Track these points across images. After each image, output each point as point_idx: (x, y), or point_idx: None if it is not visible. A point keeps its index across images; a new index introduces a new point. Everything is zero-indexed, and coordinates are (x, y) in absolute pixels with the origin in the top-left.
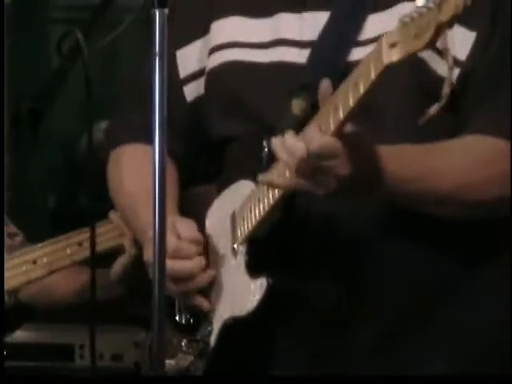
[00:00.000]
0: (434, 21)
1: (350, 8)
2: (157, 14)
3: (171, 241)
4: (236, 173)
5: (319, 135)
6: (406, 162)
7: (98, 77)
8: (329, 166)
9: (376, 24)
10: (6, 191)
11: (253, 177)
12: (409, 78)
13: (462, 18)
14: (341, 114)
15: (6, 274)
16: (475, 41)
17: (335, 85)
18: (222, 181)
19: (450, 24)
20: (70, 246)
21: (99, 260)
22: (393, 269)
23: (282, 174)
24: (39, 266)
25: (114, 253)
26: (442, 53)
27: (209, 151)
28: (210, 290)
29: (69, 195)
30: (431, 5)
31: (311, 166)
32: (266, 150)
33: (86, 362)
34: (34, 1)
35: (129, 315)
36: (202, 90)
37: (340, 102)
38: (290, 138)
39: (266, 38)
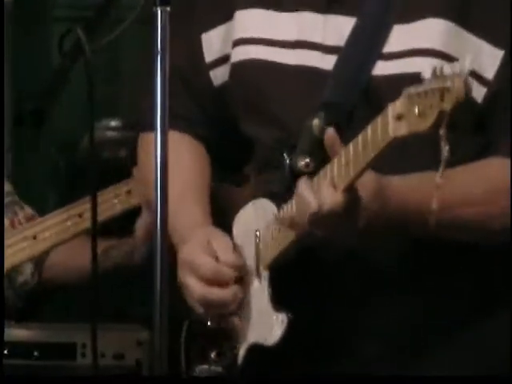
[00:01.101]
0: (437, 107)
1: (376, 19)
2: (159, 11)
3: (208, 262)
4: (260, 177)
5: (332, 194)
6: (426, 192)
7: (100, 75)
8: (340, 221)
9: (401, 37)
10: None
11: (274, 194)
12: None
13: (490, 36)
14: (351, 173)
15: (7, 252)
16: (503, 60)
17: (358, 103)
18: (250, 183)
19: (452, 112)
20: (70, 218)
21: (107, 228)
22: (413, 299)
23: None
24: (40, 240)
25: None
26: (440, 137)
27: (237, 140)
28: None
29: (71, 195)
30: (435, 88)
31: (322, 220)
32: (287, 161)
33: (88, 361)
34: None
35: (130, 314)
36: (227, 77)
37: (351, 159)
38: (305, 190)
39: (291, 37)
